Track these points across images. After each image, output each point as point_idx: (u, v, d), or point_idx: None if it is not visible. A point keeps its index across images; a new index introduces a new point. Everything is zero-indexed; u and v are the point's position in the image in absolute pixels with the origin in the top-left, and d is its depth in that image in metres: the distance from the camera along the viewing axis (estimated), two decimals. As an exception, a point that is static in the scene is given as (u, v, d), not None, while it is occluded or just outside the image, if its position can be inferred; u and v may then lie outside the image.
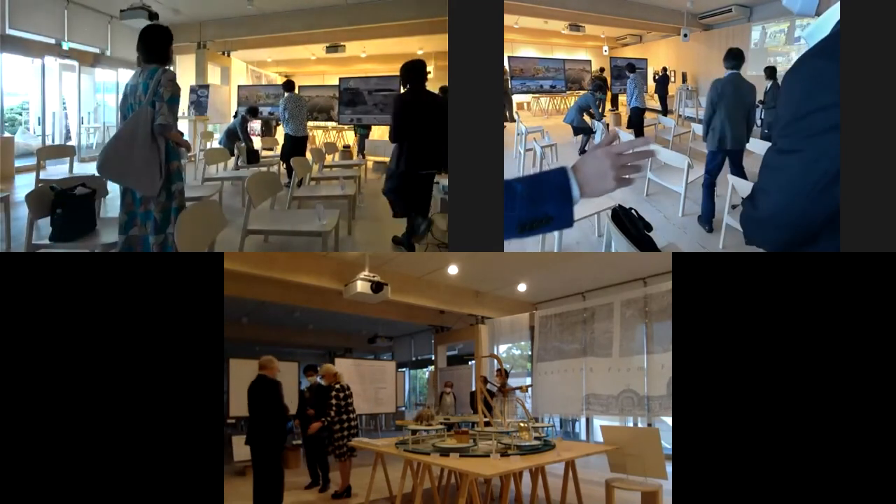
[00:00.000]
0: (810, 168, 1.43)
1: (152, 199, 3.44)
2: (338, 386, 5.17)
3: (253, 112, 8.51)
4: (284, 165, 7.47)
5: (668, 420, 5.82)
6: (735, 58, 5.06)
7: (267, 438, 4.06)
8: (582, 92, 8.96)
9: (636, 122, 7.93)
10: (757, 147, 5.68)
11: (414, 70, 4.66)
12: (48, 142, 8.00)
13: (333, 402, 5.12)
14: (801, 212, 1.47)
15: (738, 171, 5.09)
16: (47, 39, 7.74)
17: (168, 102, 3.38)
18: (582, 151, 7.64)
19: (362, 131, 9.87)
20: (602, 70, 9.48)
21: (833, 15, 1.55)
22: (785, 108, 1.49)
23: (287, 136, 7.73)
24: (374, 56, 10.61)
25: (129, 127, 3.35)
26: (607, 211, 3.32)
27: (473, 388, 7.35)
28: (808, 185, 1.43)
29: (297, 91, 7.97)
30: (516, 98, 9.08)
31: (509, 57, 8.97)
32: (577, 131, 7.67)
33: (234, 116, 8.66)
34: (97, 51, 8.56)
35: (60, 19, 7.83)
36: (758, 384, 2.32)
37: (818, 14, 1.61)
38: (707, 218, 5.19)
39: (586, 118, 7.56)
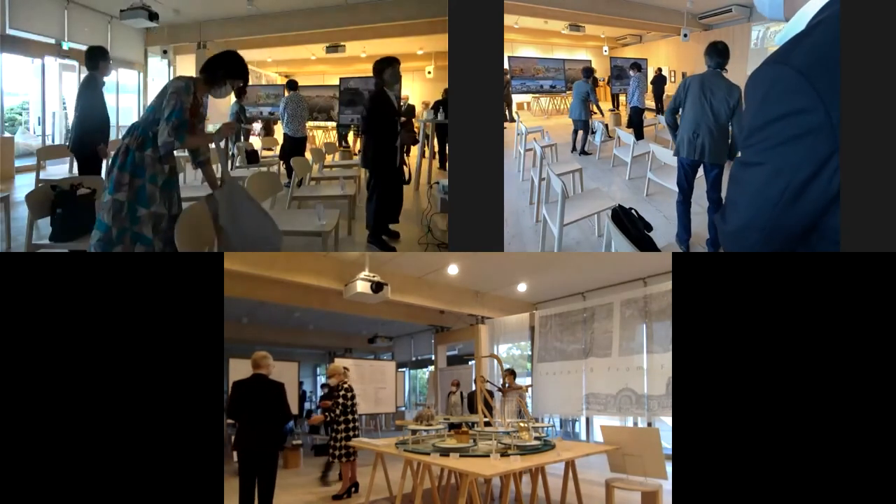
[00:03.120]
0: (773, 181, 1.35)
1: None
2: (346, 385, 5.19)
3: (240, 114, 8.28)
4: (284, 165, 7.49)
5: (668, 420, 5.81)
6: (719, 55, 4.28)
7: (270, 446, 3.80)
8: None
9: (636, 121, 7.92)
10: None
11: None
12: (48, 142, 8.00)
13: (340, 401, 5.12)
14: (768, 226, 1.40)
15: (714, 192, 4.40)
16: (47, 39, 7.73)
17: (167, 119, 3.10)
18: (582, 152, 7.65)
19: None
20: (590, 61, 9.50)
21: (799, 20, 1.47)
22: (747, 118, 1.42)
23: (285, 136, 7.75)
24: (374, 56, 10.56)
25: None
26: (607, 211, 3.32)
27: (473, 389, 7.34)
28: (773, 199, 1.36)
29: (297, 90, 7.99)
30: (516, 98, 9.09)
31: (509, 57, 8.97)
32: (581, 125, 7.60)
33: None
34: (97, 51, 8.55)
35: (60, 19, 7.82)
36: (758, 384, 2.32)
37: (787, 19, 1.54)
38: (682, 238, 4.60)
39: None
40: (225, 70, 3.31)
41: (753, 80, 1.40)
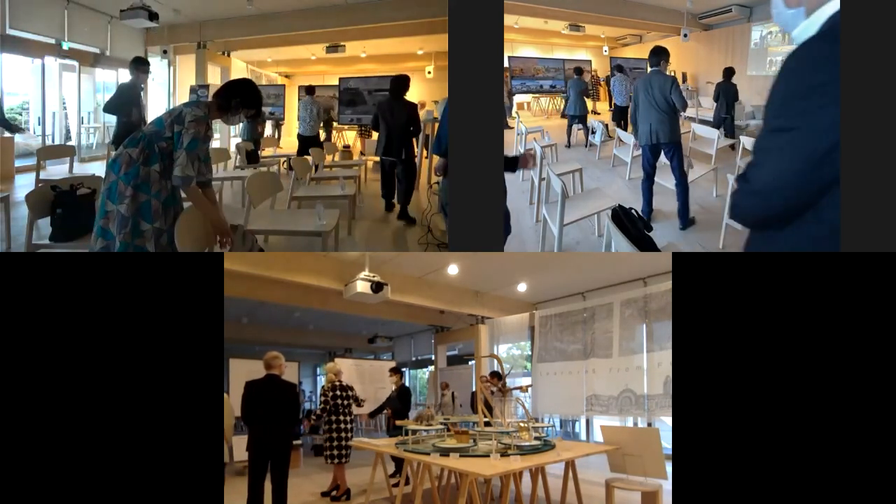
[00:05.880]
0: (805, 144, 1.52)
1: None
2: (328, 385, 5.17)
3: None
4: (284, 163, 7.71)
5: (668, 419, 5.81)
6: (655, 55, 5.21)
7: (282, 446, 3.87)
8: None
9: (622, 116, 8.41)
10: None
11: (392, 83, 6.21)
12: (48, 142, 8.00)
13: (322, 399, 5.12)
14: (794, 185, 1.56)
15: (677, 166, 5.13)
16: (47, 39, 7.73)
17: (187, 149, 3.05)
18: (568, 145, 8.09)
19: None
20: (589, 62, 9.99)
21: (822, 14, 1.64)
22: (780, 91, 1.59)
23: (299, 136, 8.48)
24: (374, 56, 10.61)
25: None
26: (607, 211, 3.32)
27: (474, 389, 7.34)
28: (802, 160, 1.53)
29: (315, 95, 8.69)
30: (516, 98, 9.11)
31: (509, 57, 8.98)
32: (581, 120, 8.10)
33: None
34: (97, 51, 8.54)
35: (60, 19, 7.82)
36: (758, 384, 2.32)
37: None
38: (645, 211, 5.27)
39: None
40: (240, 99, 3.28)
41: (794, 57, 1.58)
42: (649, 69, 5.32)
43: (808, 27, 1.67)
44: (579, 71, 8.75)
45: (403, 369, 11.94)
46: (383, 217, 6.32)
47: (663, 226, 5.23)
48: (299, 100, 8.90)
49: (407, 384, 5.70)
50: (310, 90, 8.68)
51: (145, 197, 3.11)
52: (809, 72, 1.52)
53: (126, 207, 3.07)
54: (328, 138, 9.91)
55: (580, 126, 8.17)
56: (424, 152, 7.59)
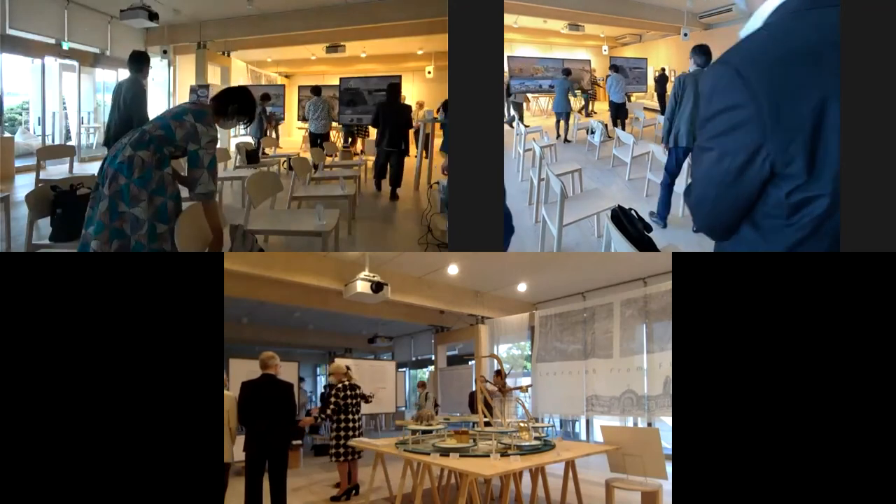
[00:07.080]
0: (717, 164, 1.57)
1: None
2: (339, 385, 5.17)
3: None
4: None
5: (668, 420, 5.81)
6: (705, 54, 4.99)
7: (280, 445, 3.89)
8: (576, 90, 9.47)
9: (613, 114, 8.85)
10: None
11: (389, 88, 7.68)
12: (48, 142, 8.00)
13: (332, 399, 5.12)
14: (713, 203, 1.64)
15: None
16: (47, 39, 7.73)
17: (208, 167, 3.17)
18: (566, 140, 8.42)
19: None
20: (589, 61, 10.48)
21: (756, 19, 1.65)
22: (700, 112, 1.64)
23: (310, 133, 9.15)
24: (374, 56, 10.62)
25: None
26: (607, 211, 3.32)
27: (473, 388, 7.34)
28: (717, 178, 1.58)
29: (321, 95, 9.27)
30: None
31: (508, 56, 8.99)
32: (564, 117, 8.57)
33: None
34: (97, 51, 8.55)
35: (60, 19, 7.82)
36: (758, 384, 2.32)
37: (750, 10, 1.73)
38: (662, 215, 5.25)
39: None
40: (237, 106, 3.35)
41: (705, 76, 1.63)
42: (694, 67, 5.07)
43: (751, 25, 1.68)
44: (567, 72, 9.22)
45: (403, 368, 11.98)
46: (383, 217, 6.34)
47: (669, 227, 5.23)
48: (303, 100, 9.42)
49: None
50: (316, 90, 9.27)
51: (161, 199, 3.14)
52: (715, 96, 1.54)
53: (142, 211, 3.09)
54: (348, 139, 10.28)
55: (563, 121, 8.69)
56: (424, 153, 7.59)
